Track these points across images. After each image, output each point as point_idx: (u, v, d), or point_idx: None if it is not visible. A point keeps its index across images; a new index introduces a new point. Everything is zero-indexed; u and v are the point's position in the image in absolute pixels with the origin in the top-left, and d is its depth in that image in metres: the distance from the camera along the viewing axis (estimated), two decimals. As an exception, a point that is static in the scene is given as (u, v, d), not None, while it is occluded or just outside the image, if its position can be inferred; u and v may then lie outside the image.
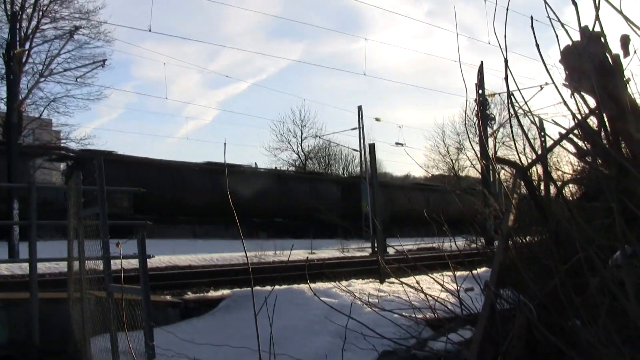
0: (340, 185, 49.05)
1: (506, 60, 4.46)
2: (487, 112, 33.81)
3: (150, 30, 27.21)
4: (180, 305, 10.22)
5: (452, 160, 65.84)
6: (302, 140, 65.72)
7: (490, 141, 32.14)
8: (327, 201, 42.89)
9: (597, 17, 3.63)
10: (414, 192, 53.10)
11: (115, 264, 6.67)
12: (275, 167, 54.94)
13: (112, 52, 52.41)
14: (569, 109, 4.65)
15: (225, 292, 11.27)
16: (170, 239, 28.15)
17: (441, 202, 52.14)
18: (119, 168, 30.46)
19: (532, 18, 4.04)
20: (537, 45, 4.08)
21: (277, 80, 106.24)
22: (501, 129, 48.50)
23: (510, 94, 4.87)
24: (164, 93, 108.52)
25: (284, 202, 40.67)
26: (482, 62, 29.91)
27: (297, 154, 66.00)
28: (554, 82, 4.26)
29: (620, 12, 3.53)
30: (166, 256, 18.88)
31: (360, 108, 45.44)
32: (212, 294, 11.36)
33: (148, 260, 6.10)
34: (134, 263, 10.31)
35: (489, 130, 34.41)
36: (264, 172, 43.83)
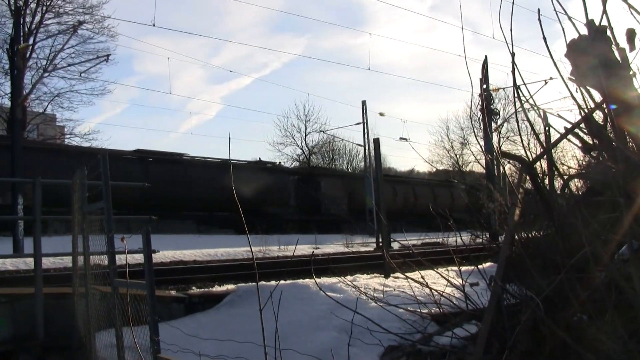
0: (296, 177, 46.55)
1: (512, 54, 4.45)
2: (492, 106, 33.74)
3: (154, 25, 27.19)
4: (185, 300, 10.21)
5: (456, 155, 65.88)
6: (306, 135, 65.66)
7: (495, 136, 32.14)
8: (279, 194, 41.36)
9: (604, 10, 3.61)
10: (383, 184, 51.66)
11: (120, 259, 6.66)
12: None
13: (116, 47, 52.79)
14: (576, 102, 4.64)
15: (230, 287, 11.27)
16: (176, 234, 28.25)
17: (410, 195, 51.16)
18: (26, 156, 26.00)
19: (539, 11, 4.03)
20: (545, 39, 4.07)
21: (281, 75, 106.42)
22: (505, 124, 48.53)
23: (517, 87, 4.85)
24: (168, 88, 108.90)
25: (229, 194, 35.62)
26: (486, 57, 29.96)
27: (301, 149, 65.99)
28: (561, 76, 4.25)
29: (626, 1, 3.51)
30: (170, 251, 18.91)
31: (364, 103, 45.45)
32: (217, 289, 11.34)
33: (153, 255, 6.09)
34: (138, 258, 10.33)
35: (493, 125, 34.36)
36: (207, 162, 40.16)
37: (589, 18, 4.57)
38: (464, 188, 55.91)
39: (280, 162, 55.12)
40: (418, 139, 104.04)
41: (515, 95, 4.97)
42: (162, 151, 37.40)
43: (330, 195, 45.02)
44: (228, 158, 40.34)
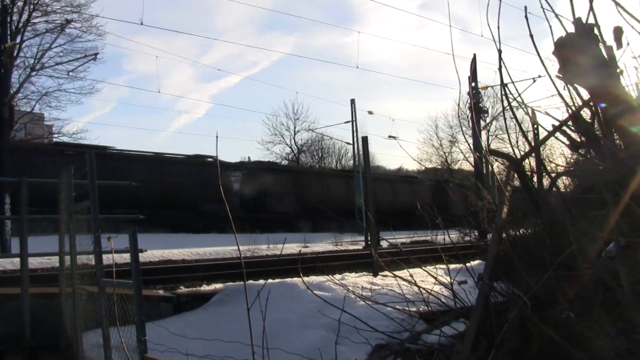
0: (240, 172, 43.15)
1: (500, 51, 4.44)
2: (480, 104, 33.80)
3: (142, 24, 27.17)
4: (172, 299, 10.17)
5: (445, 153, 66.01)
6: (295, 134, 65.89)
7: (483, 134, 32.19)
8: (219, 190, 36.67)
9: (591, 8, 3.60)
10: (331, 179, 49.14)
11: (109, 259, 6.63)
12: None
13: (104, 46, 52.36)
14: (563, 100, 4.64)
15: (218, 286, 11.24)
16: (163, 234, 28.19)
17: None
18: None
19: (525, 8, 4.02)
20: (531, 36, 4.07)
21: (270, 74, 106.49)
22: (494, 123, 48.63)
23: (504, 85, 4.84)
24: (156, 87, 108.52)
25: (161, 190, 34.79)
26: (474, 55, 29.98)
27: (290, 147, 66.07)
28: (548, 74, 4.24)
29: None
30: (159, 250, 18.87)
31: (353, 101, 45.46)
32: (205, 288, 11.32)
33: (141, 254, 6.07)
34: (126, 257, 10.30)
35: (482, 123, 34.43)
36: (136, 156, 36.91)
37: (577, 16, 4.57)
38: (428, 184, 55.72)
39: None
40: (407, 137, 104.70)
41: (503, 93, 4.96)
42: (84, 144, 34.74)
43: (276, 192, 42.63)
44: (161, 152, 38.27)
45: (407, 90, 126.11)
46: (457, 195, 51.24)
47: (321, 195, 43.04)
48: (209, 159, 41.13)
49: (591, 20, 4.26)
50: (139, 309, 5.59)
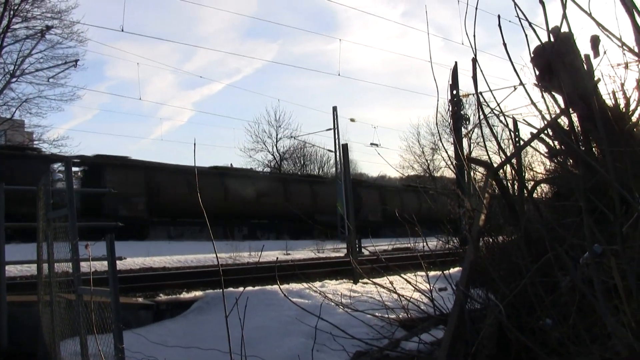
0: (81, 167, 35.74)
1: (474, 59, 4.46)
2: (462, 112, 33.91)
3: (122, 30, 27.06)
4: (152, 307, 10.13)
5: (427, 160, 66.09)
6: (277, 141, 65.75)
7: (465, 141, 32.31)
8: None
9: (565, 16, 3.63)
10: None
11: (88, 266, 6.60)
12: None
13: (85, 52, 52.38)
14: (537, 109, 4.67)
15: (198, 293, 11.20)
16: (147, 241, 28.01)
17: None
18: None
19: (499, 17, 4.04)
20: (505, 44, 4.09)
21: (252, 81, 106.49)
22: (476, 130, 48.80)
23: (479, 93, 4.86)
24: (138, 94, 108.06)
25: None
26: (456, 63, 30.20)
27: (273, 154, 65.98)
28: (522, 83, 4.26)
29: (589, 14, 3.54)
30: (140, 258, 18.77)
31: (335, 109, 45.49)
32: (185, 295, 11.28)
33: (121, 262, 6.04)
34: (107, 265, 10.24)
35: (463, 131, 34.55)
36: None
37: (554, 25, 4.60)
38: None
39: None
40: (389, 144, 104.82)
41: (477, 101, 4.99)
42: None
43: (122, 193, 32.46)
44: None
45: (390, 98, 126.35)
46: (374, 199, 50.25)
47: (183, 196, 35.93)
48: (32, 152, 33.36)
49: (564, 28, 4.29)
50: (116, 316, 5.56)
